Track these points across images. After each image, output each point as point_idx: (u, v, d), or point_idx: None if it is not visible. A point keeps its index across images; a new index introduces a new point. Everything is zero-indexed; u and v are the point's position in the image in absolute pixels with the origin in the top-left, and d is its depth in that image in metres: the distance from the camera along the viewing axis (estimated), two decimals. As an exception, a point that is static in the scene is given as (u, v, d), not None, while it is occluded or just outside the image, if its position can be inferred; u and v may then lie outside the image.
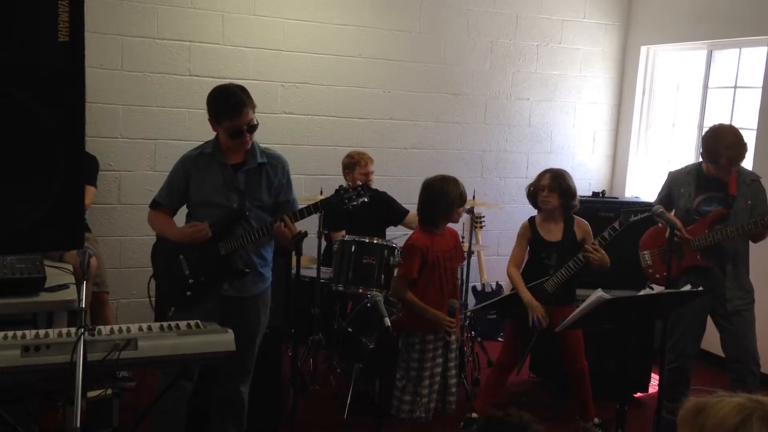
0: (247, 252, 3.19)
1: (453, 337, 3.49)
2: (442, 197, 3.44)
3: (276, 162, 3.25)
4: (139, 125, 4.96)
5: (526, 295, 3.74)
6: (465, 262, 4.43)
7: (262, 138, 3.81)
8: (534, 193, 3.85)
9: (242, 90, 3.13)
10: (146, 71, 4.93)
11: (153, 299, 3.37)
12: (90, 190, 4.37)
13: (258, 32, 5.17)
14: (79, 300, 2.43)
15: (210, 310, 3.05)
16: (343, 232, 4.54)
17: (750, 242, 3.80)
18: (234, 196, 3.15)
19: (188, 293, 3.16)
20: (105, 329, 2.48)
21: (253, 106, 3.12)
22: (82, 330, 2.25)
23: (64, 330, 2.45)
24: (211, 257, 3.13)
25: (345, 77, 5.47)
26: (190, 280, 3.16)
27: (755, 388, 3.55)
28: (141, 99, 4.94)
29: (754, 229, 3.61)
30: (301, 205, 3.29)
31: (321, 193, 4.49)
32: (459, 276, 3.81)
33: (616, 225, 3.58)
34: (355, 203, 3.21)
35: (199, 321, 2.62)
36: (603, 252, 3.62)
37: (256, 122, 3.14)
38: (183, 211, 3.33)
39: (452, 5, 5.71)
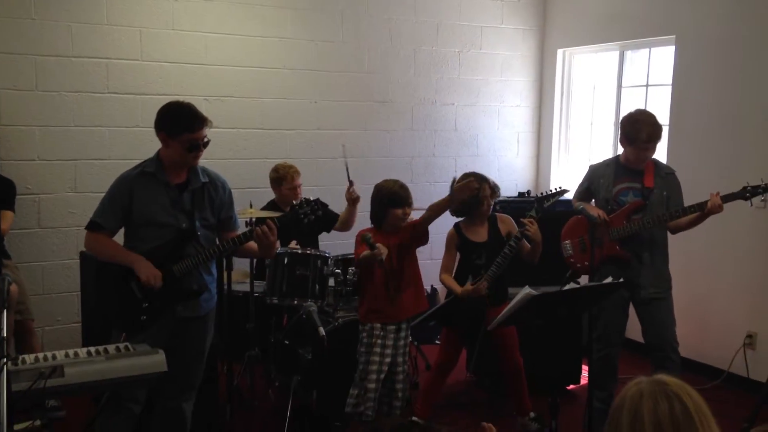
0: (199, 271, 3.17)
1: (402, 335, 3.66)
2: (378, 196, 3.64)
3: (217, 181, 3.27)
4: (58, 146, 4.81)
5: (461, 289, 3.79)
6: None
7: (186, 154, 3.66)
8: (469, 206, 3.87)
9: (195, 106, 3.16)
10: (62, 90, 4.79)
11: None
12: (7, 215, 4.22)
13: (178, 47, 5.10)
14: (0, 329, 2.34)
15: (158, 332, 3.03)
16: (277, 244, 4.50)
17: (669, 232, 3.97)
18: (182, 216, 3.12)
19: (143, 317, 3.07)
20: (29, 358, 2.41)
21: (210, 122, 3.15)
22: (5, 360, 2.17)
23: (-15, 362, 2.35)
24: (166, 279, 3.06)
25: (270, 89, 5.45)
26: (144, 304, 3.07)
27: (676, 374, 3.69)
28: (58, 119, 4.79)
29: (670, 219, 3.78)
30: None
31: (251, 206, 4.44)
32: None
33: (534, 213, 3.69)
34: (312, 217, 3.22)
35: (128, 344, 2.57)
36: (536, 226, 3.69)
37: (208, 139, 3.15)
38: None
39: (373, 14, 5.77)
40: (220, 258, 3.29)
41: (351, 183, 4.51)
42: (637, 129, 3.72)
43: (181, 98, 5.15)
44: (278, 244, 4.44)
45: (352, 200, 4.53)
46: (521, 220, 3.72)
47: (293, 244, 4.42)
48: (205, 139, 3.13)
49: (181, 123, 3.07)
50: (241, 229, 3.29)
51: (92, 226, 3.14)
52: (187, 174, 3.17)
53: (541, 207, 3.69)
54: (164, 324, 3.11)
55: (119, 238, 3.20)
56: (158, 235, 3.08)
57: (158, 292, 3.07)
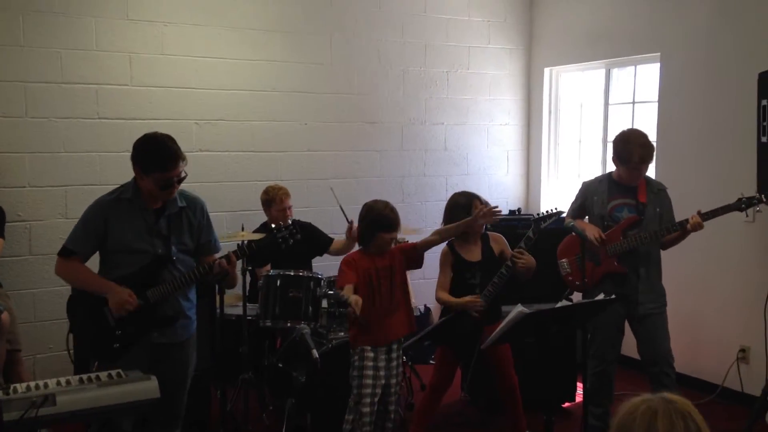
0: (175, 297, 3.13)
1: (394, 356, 3.62)
2: (367, 218, 3.60)
3: (194, 204, 3.23)
4: (48, 172, 4.80)
5: (458, 302, 3.77)
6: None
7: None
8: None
9: (173, 141, 3.08)
10: (52, 117, 4.79)
11: (72, 352, 3.26)
12: (-2, 243, 4.20)
13: (168, 71, 5.12)
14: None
15: (136, 359, 2.96)
16: (268, 267, 4.50)
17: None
18: (158, 242, 3.09)
19: (115, 345, 3.03)
20: (21, 386, 2.39)
21: (184, 158, 3.08)
22: (-5, 390, 2.16)
23: (-24, 392, 2.33)
24: (139, 306, 3.03)
25: (260, 112, 5.48)
26: (117, 332, 3.03)
27: (672, 388, 3.71)
28: (48, 145, 4.79)
29: (666, 235, 3.80)
30: (223, 244, 3.27)
31: (242, 229, 4.45)
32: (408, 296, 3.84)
33: (531, 234, 3.70)
34: (290, 241, 3.22)
35: (120, 370, 2.55)
36: (528, 255, 3.70)
37: (185, 174, 3.10)
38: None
39: (362, 36, 5.82)
40: (199, 284, 3.25)
41: (351, 222, 4.62)
42: (630, 151, 3.75)
43: (171, 122, 5.20)
44: (269, 267, 4.48)
45: (353, 239, 4.63)
46: (512, 254, 3.72)
47: (267, 268, 4.45)
48: (182, 175, 3.07)
49: (154, 162, 3.01)
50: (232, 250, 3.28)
51: (64, 252, 3.11)
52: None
53: (538, 228, 3.69)
54: (140, 351, 3.05)
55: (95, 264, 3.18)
56: (133, 261, 3.05)
57: (132, 319, 3.02)
